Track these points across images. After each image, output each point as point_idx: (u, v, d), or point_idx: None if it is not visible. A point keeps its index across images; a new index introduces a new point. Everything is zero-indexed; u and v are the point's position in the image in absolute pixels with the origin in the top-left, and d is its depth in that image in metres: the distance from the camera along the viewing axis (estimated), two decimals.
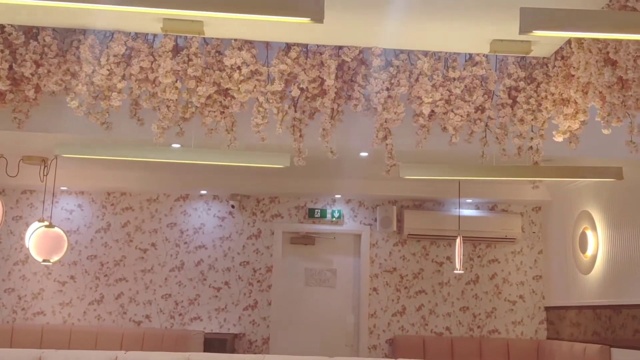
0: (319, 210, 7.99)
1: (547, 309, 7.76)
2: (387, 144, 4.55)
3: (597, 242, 6.53)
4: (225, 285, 7.82)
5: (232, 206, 7.88)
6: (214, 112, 4.41)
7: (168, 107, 4.35)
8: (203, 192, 7.85)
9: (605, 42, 3.57)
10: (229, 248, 7.89)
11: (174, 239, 7.89)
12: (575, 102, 4.13)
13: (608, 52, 3.57)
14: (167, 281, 7.80)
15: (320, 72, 4.34)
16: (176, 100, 4.34)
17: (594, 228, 6.59)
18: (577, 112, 4.17)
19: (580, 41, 3.81)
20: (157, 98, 4.35)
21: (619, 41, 3.43)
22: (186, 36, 4.23)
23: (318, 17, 2.56)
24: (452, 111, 4.49)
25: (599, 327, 6.41)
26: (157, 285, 7.78)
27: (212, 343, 7.15)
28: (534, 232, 7.98)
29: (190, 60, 4.24)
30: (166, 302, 7.76)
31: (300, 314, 7.94)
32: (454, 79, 4.43)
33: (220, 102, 4.42)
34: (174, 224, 7.92)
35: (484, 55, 4.43)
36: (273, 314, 7.78)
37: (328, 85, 4.37)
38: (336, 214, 7.98)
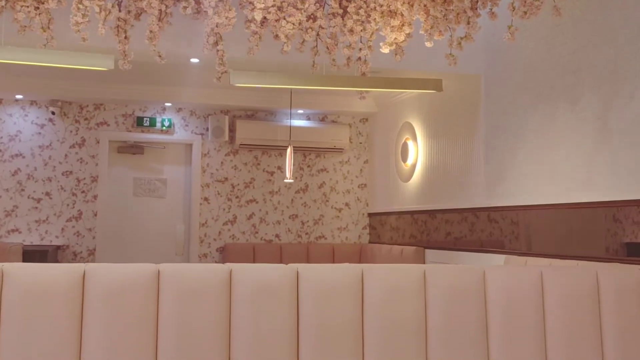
0: (148, 119, 7.74)
1: (370, 215, 8.22)
2: (218, 50, 4.44)
3: (417, 152, 6.94)
4: (46, 196, 7.43)
5: (52, 112, 7.39)
6: (27, 7, 4.03)
7: None
8: (19, 96, 7.27)
9: None
10: (50, 157, 7.45)
11: None
12: (402, 15, 4.25)
13: None
14: None
15: None
16: None
17: (415, 138, 6.99)
18: (403, 25, 4.30)
19: None
20: None
21: None
22: None
23: None
24: (284, 18, 4.44)
25: (416, 230, 6.90)
26: None
27: (32, 255, 6.83)
28: (360, 143, 8.31)
29: None
30: None
31: (129, 225, 7.78)
32: None
33: None
34: None
35: None
36: (99, 225, 7.55)
37: None
38: (166, 123, 7.77)
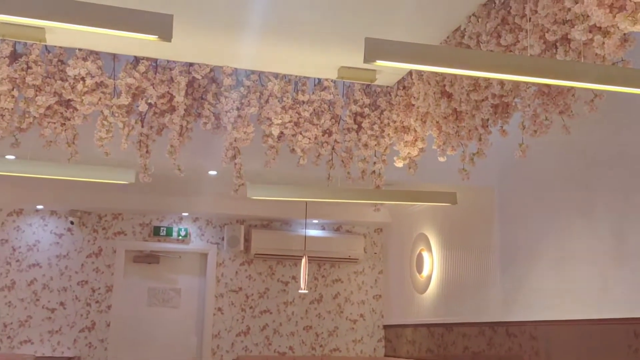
0: (165, 228, 7.81)
1: (385, 327, 8.07)
2: (235, 163, 4.55)
3: (432, 263, 6.90)
4: (60, 306, 7.40)
5: (71, 222, 7.50)
6: (54, 123, 4.20)
7: (2, 116, 4.08)
8: (39, 207, 7.41)
9: (442, 75, 3.82)
10: (66, 267, 7.49)
11: (4, 256, 7.36)
12: (415, 130, 4.37)
13: (445, 85, 3.82)
14: None
15: (169, 87, 4.27)
16: (12, 109, 4.08)
17: (430, 249, 6.97)
18: (416, 140, 4.41)
19: (420, 73, 4.05)
20: None
21: (455, 75, 3.68)
22: (26, 42, 4.00)
23: (166, 36, 2.51)
24: (301, 133, 4.58)
25: (433, 344, 6.76)
26: None
27: None
28: (375, 253, 8.29)
29: (29, 67, 4.01)
30: None
31: (142, 336, 7.68)
32: (303, 102, 4.54)
33: (62, 113, 4.21)
34: (5, 241, 7.40)
35: (332, 81, 4.57)
36: (112, 335, 7.46)
37: (177, 102, 4.30)
38: (182, 232, 7.83)
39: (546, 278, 4.92)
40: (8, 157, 4.64)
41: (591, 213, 4.47)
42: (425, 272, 7.01)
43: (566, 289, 4.67)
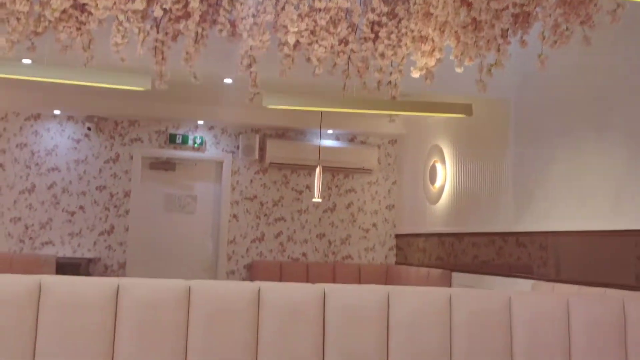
0: (181, 136, 7.88)
1: (397, 236, 8.23)
2: (251, 72, 4.53)
3: (445, 175, 6.96)
4: (80, 210, 7.59)
5: (89, 128, 7.58)
6: (70, 27, 4.17)
7: (18, 19, 4.06)
8: (57, 112, 7.48)
9: None
10: (85, 171, 7.63)
11: (23, 160, 7.50)
12: (433, 40, 4.30)
13: None
14: (16, 204, 7.44)
15: None
16: (27, 12, 4.05)
17: (443, 161, 7.01)
18: (433, 50, 4.35)
19: None
20: (6, 9, 4.04)
21: None
22: None
23: None
24: (317, 42, 4.53)
25: (443, 253, 6.91)
26: (5, 208, 7.41)
27: (65, 268, 6.97)
28: (389, 164, 8.35)
29: None
30: (15, 225, 7.42)
31: (159, 240, 7.90)
32: (320, 9, 4.46)
33: (77, 17, 4.18)
34: (24, 145, 7.51)
35: None
36: (130, 239, 7.68)
37: (192, 8, 4.24)
38: (198, 140, 7.90)
39: (558, 190, 4.96)
40: (25, 61, 4.66)
41: (606, 128, 4.46)
42: (438, 183, 7.07)
43: (577, 201, 4.72)
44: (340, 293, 2.47)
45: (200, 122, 7.83)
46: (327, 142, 8.04)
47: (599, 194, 4.50)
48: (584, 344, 2.57)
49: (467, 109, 5.09)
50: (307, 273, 7.80)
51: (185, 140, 7.88)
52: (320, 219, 8.13)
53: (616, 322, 2.63)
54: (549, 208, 5.08)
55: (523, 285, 5.17)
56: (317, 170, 6.66)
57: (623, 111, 4.31)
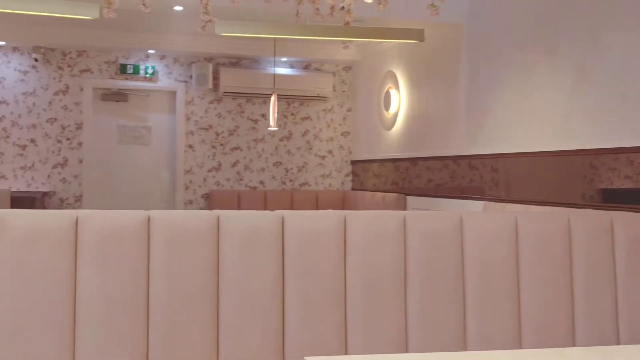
0: (132, 66, 7.72)
1: (353, 162, 8.33)
2: None
3: (400, 101, 7.01)
4: (31, 143, 7.45)
5: (35, 59, 7.35)
6: None
7: None
8: (1, 43, 7.22)
9: None
10: (34, 104, 7.45)
11: None
12: None
13: None
14: None
15: None
16: None
17: (397, 87, 7.05)
18: None
19: None
20: None
21: None
22: None
23: None
24: None
25: (398, 177, 7.04)
26: None
27: (20, 202, 6.90)
28: (344, 91, 8.36)
29: None
30: None
31: (115, 172, 7.84)
32: None
33: None
34: None
35: None
36: (85, 171, 7.61)
37: None
38: (150, 70, 7.76)
39: (509, 113, 5.07)
40: None
41: (556, 50, 4.54)
42: (392, 110, 7.13)
43: (528, 123, 4.84)
44: (299, 219, 2.52)
45: (151, 51, 7.67)
46: (282, 70, 7.98)
47: (548, 115, 4.62)
48: (532, 258, 2.69)
49: (419, 35, 5.10)
50: (265, 201, 7.88)
51: (136, 70, 7.72)
52: (276, 147, 8.16)
53: (562, 238, 2.76)
54: (500, 131, 5.20)
55: (475, 206, 5.34)
56: (272, 98, 6.64)
57: (572, 34, 4.39)
